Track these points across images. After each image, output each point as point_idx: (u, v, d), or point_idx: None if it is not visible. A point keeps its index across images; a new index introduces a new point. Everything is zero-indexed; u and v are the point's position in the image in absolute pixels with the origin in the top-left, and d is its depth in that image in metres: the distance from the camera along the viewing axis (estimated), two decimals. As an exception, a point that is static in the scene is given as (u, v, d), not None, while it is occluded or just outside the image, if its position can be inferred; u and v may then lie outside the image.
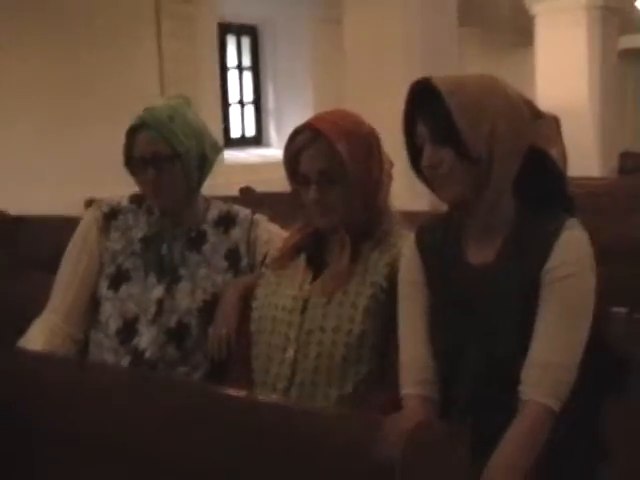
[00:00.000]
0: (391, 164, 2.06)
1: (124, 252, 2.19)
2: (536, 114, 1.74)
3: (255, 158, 9.02)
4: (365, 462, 0.95)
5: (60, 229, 2.33)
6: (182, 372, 2.11)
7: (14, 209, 4.54)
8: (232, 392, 1.39)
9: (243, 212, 2.26)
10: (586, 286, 1.65)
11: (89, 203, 2.27)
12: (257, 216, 2.27)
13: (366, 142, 1.94)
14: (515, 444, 1.57)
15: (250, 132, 9.54)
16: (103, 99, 6.58)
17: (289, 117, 8.57)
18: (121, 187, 2.31)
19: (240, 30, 9.38)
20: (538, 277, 1.64)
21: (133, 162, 2.13)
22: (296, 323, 1.90)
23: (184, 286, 2.14)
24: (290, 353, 1.89)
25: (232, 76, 9.35)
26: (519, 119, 1.68)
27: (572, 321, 1.62)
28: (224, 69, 9.09)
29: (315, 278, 1.96)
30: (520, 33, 9.34)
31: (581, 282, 1.64)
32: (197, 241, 2.20)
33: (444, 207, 1.81)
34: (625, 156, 9.11)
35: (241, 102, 9.53)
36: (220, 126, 8.47)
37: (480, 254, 1.72)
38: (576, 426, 1.67)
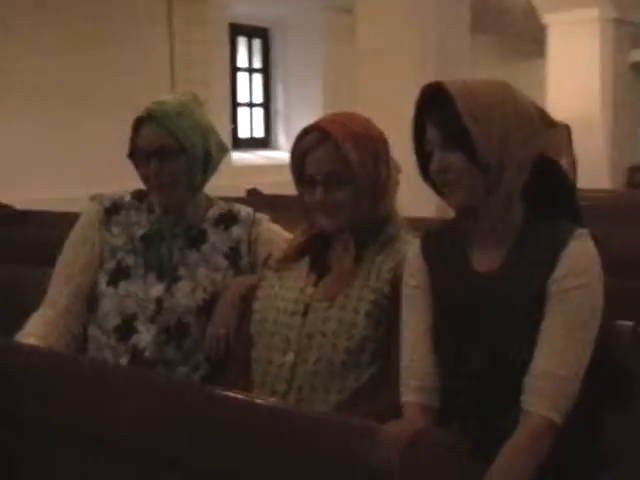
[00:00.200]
0: (398, 169, 2.04)
1: (124, 248, 2.17)
2: (548, 122, 1.72)
3: (263, 160, 9.03)
4: (362, 469, 0.93)
5: (66, 224, 2.31)
6: (182, 372, 2.09)
7: (19, 204, 4.54)
8: (229, 394, 1.37)
9: (245, 210, 2.25)
10: (593, 298, 1.62)
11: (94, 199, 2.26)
12: (259, 215, 2.25)
13: (374, 145, 1.92)
14: (514, 456, 1.55)
15: (259, 134, 9.54)
16: (113, 98, 6.60)
17: (298, 120, 8.56)
18: (127, 184, 2.30)
19: (251, 32, 9.39)
20: (544, 286, 1.61)
21: (137, 154, 2.11)
22: (297, 326, 1.88)
23: (184, 285, 2.12)
24: (290, 356, 1.87)
25: (242, 78, 9.36)
26: (530, 126, 1.66)
27: (577, 333, 1.60)
28: (234, 70, 9.10)
29: (318, 281, 1.94)
30: (534, 42, 9.32)
31: (588, 294, 1.61)
32: (197, 240, 2.18)
33: (450, 214, 1.79)
34: (634, 170, 9.08)
35: (250, 104, 9.53)
36: (229, 127, 8.48)
37: (486, 261, 1.70)
38: (578, 439, 1.65)
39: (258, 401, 1.35)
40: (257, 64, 9.57)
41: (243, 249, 2.19)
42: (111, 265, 2.16)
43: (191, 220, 2.19)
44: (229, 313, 2.08)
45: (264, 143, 9.56)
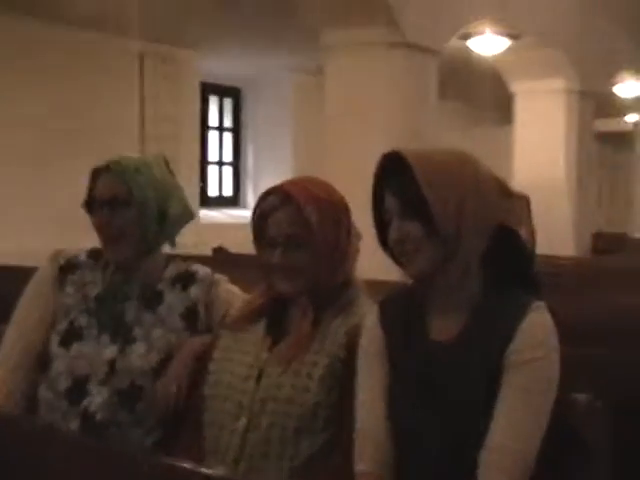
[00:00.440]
0: (359, 236, 2.03)
1: (78, 308, 2.13)
2: (507, 192, 1.73)
3: (231, 219, 9.04)
4: None
5: (27, 278, 2.27)
6: (134, 436, 2.04)
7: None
8: (177, 464, 1.33)
9: (203, 270, 2.22)
10: (549, 371, 1.61)
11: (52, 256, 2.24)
12: (217, 275, 2.22)
13: (335, 210, 1.92)
14: None
15: (228, 192, 9.57)
16: (82, 155, 6.58)
17: (267, 179, 8.62)
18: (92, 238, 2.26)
19: (223, 91, 9.47)
20: (501, 358, 1.60)
21: (92, 203, 2.11)
22: (250, 391, 1.85)
23: (138, 347, 2.08)
24: (242, 422, 1.83)
25: (212, 136, 9.40)
26: (488, 196, 1.66)
27: (533, 406, 1.58)
28: (205, 129, 9.15)
29: (273, 345, 1.91)
30: (501, 110, 9.48)
31: (545, 367, 1.60)
32: (153, 301, 2.14)
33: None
34: (598, 236, 9.20)
35: (220, 162, 9.57)
36: (198, 185, 8.49)
37: (443, 330, 1.68)
38: None
39: (204, 472, 1.31)
40: (228, 123, 9.64)
41: (200, 310, 2.16)
42: (63, 325, 2.11)
43: (147, 279, 2.16)
44: (181, 372, 2.04)
45: (233, 202, 9.59)
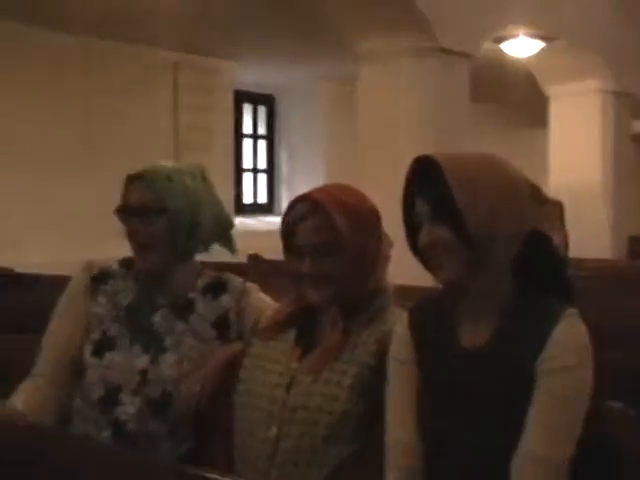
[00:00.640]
0: (390, 244, 2.03)
1: (110, 318, 2.15)
2: (540, 197, 1.71)
3: (266, 225, 9.06)
4: None
5: (61, 288, 2.30)
6: (166, 446, 2.05)
7: (17, 267, 4.54)
8: (204, 473, 1.33)
9: (235, 280, 2.23)
10: (582, 380, 1.58)
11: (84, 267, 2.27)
12: (249, 284, 2.23)
13: (366, 219, 1.92)
14: None
15: (262, 199, 9.59)
16: (115, 164, 6.65)
17: (301, 186, 8.63)
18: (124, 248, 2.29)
19: (256, 99, 9.51)
20: (532, 366, 1.58)
21: (124, 211, 2.13)
22: (280, 400, 1.85)
23: (170, 356, 2.10)
24: (273, 431, 1.83)
25: (247, 144, 9.45)
26: (520, 201, 1.65)
27: (566, 414, 1.56)
28: (239, 137, 9.19)
29: (303, 355, 1.92)
30: (535, 112, 9.41)
31: (577, 375, 1.58)
32: (184, 310, 2.16)
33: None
34: (635, 240, 9.08)
35: (255, 169, 9.60)
36: (232, 193, 8.53)
37: (473, 337, 1.66)
38: None
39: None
40: (262, 130, 9.68)
41: (231, 318, 2.17)
42: (96, 335, 2.14)
43: (178, 289, 2.18)
44: (209, 374, 2.05)
45: (267, 209, 9.61)
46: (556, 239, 1.72)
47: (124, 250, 2.22)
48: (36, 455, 1.53)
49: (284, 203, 9.53)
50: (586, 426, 1.57)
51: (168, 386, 2.07)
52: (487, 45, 6.36)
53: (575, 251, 7.28)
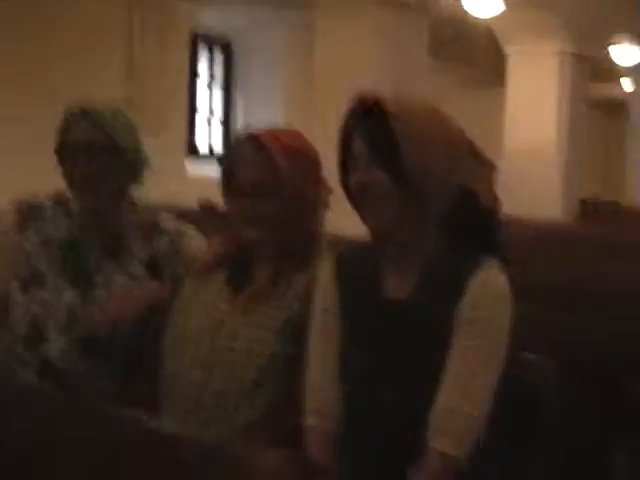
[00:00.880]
0: (330, 191, 2.01)
1: (39, 254, 2.11)
2: (479, 158, 1.71)
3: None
4: None
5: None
6: (94, 386, 2.03)
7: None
8: (126, 415, 1.31)
9: (169, 221, 2.20)
10: (500, 330, 1.58)
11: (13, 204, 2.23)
12: (184, 227, 2.21)
13: (307, 163, 1.89)
14: None
15: (217, 148, 9.49)
16: (65, 104, 6.52)
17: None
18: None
19: (213, 43, 9.36)
20: (451, 316, 1.57)
21: (65, 149, 2.07)
22: (206, 342, 1.84)
23: (99, 294, 2.07)
24: (197, 373, 1.82)
25: (202, 89, 9.32)
26: (459, 158, 1.63)
27: (484, 366, 1.56)
28: (194, 81, 9.06)
29: (234, 296, 1.90)
30: (495, 71, 9.41)
31: (495, 326, 1.57)
32: (117, 248, 2.13)
33: None
34: (586, 203, 9.19)
35: (209, 115, 9.49)
36: (184, 137, 8.43)
37: (397, 288, 1.65)
38: (487, 476, 1.61)
39: (150, 425, 1.29)
40: (218, 76, 9.54)
41: (164, 259, 2.14)
42: (25, 272, 2.10)
43: (111, 227, 2.14)
44: (125, 302, 2.04)
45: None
46: (485, 199, 1.71)
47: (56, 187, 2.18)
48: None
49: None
50: (504, 378, 1.57)
51: (97, 325, 2.04)
52: (449, 2, 6.32)
53: (523, 210, 7.36)
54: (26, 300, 2.07)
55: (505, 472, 1.65)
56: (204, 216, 5.37)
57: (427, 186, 1.58)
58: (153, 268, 2.13)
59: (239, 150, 1.89)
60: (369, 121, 1.61)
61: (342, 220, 2.16)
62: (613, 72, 11.48)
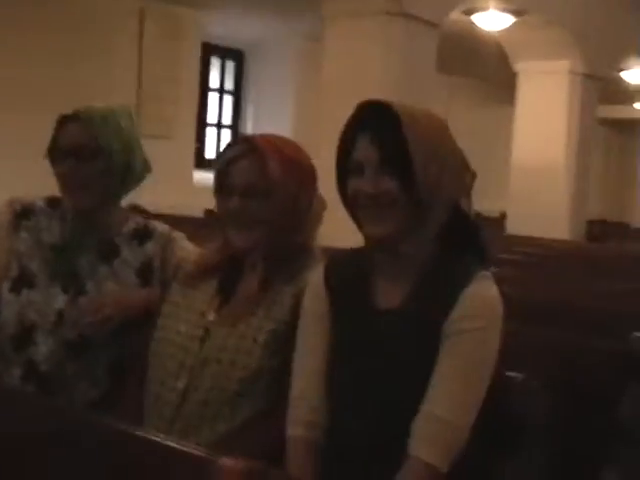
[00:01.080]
0: (324, 205, 2.00)
1: (31, 255, 2.10)
2: (467, 167, 1.70)
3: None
4: None
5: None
6: (80, 388, 2.03)
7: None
8: (110, 422, 1.30)
9: (161, 227, 2.20)
10: (489, 344, 1.57)
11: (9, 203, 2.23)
12: (175, 233, 2.20)
13: (300, 171, 1.88)
14: None
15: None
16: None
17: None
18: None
19: (225, 53, 9.40)
20: (441, 327, 1.55)
21: (55, 152, 2.08)
22: (193, 351, 1.83)
23: (89, 297, 2.07)
24: (182, 382, 1.81)
25: (213, 98, 9.35)
26: (460, 168, 1.63)
27: (470, 379, 1.54)
28: (205, 90, 9.09)
29: (222, 306, 1.89)
30: (505, 89, 9.40)
31: (484, 338, 1.56)
32: (109, 254, 2.12)
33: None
34: (594, 224, 9.15)
35: (219, 125, 9.52)
36: (193, 146, 8.45)
37: (388, 297, 1.64)
38: None
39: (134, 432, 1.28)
40: (229, 86, 9.58)
41: (155, 266, 2.13)
42: (15, 272, 2.09)
43: (104, 232, 2.14)
44: (110, 301, 2.03)
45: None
46: (465, 207, 1.70)
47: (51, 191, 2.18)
48: None
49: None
50: (489, 394, 1.56)
51: (84, 328, 2.03)
52: (459, 17, 6.32)
53: (530, 230, 7.34)
54: (16, 300, 2.06)
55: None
56: (208, 223, 5.38)
57: (435, 196, 1.56)
58: (144, 275, 2.12)
59: (233, 150, 1.88)
60: (380, 126, 1.58)
61: (332, 232, 2.15)
62: (626, 94, 11.47)
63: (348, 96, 5.40)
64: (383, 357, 1.60)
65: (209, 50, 8.95)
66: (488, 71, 9.79)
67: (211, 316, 1.87)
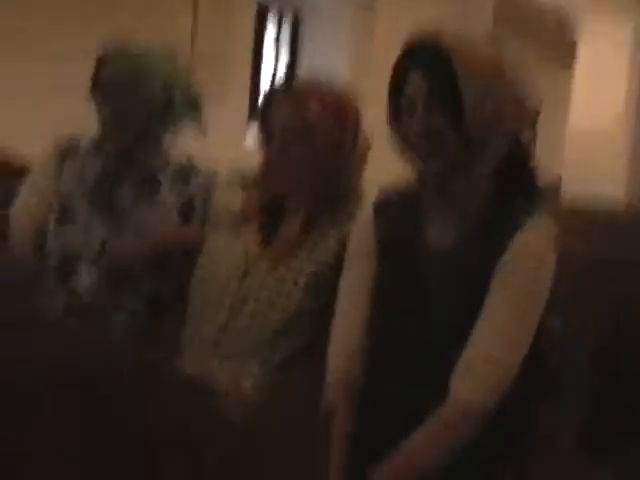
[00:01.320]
0: (368, 146, 1.98)
1: (74, 192, 2.14)
2: (528, 98, 1.63)
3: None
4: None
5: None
6: (120, 319, 2.06)
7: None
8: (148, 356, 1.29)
9: (205, 168, 2.21)
10: (540, 285, 1.52)
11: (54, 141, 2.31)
12: (217, 174, 2.21)
13: (343, 114, 1.87)
14: (423, 439, 1.48)
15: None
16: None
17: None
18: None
19: (280, 16, 9.36)
20: (493, 270, 1.51)
21: (96, 90, 2.11)
22: (233, 289, 1.83)
23: (130, 232, 2.09)
24: (221, 319, 1.82)
25: (267, 59, 9.32)
26: (520, 107, 1.55)
27: (519, 317, 1.50)
28: (259, 51, 9.06)
29: (263, 247, 1.88)
30: (563, 50, 9.21)
31: (536, 278, 1.51)
32: (150, 189, 2.14)
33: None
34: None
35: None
36: (247, 108, 8.44)
37: (439, 238, 1.58)
38: (510, 427, 1.56)
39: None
40: (283, 49, 9.54)
41: (196, 204, 2.15)
42: (60, 206, 2.14)
43: (146, 168, 2.16)
44: (149, 241, 2.06)
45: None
46: (527, 140, 1.64)
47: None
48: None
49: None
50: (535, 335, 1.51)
51: (125, 260, 2.07)
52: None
53: (588, 191, 7.21)
54: (59, 234, 2.11)
55: (525, 424, 1.59)
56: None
57: (492, 132, 1.51)
58: (185, 213, 2.14)
59: (275, 95, 1.88)
60: (431, 60, 1.52)
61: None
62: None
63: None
64: (431, 300, 1.56)
65: (264, 12, 8.91)
66: (546, 34, 9.58)
67: (251, 257, 1.87)
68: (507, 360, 1.49)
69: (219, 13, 7.73)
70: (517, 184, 1.60)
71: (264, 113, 1.89)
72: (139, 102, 2.08)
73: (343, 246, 1.76)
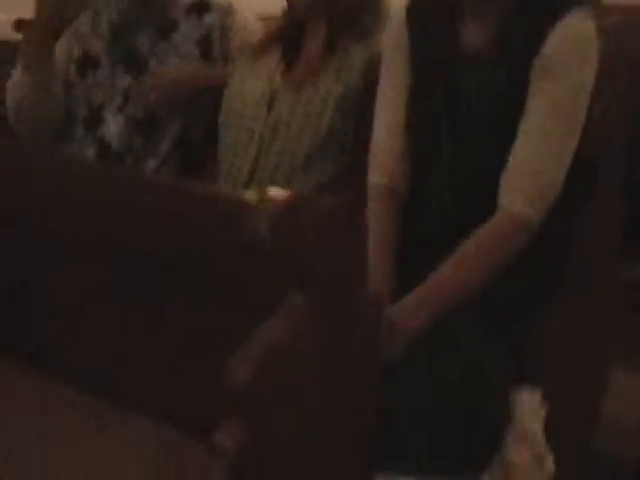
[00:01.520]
0: None
1: (92, 36, 2.09)
2: None
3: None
4: (235, 240, 0.86)
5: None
6: (151, 165, 2.04)
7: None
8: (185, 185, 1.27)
9: (219, 1, 2.13)
10: (582, 81, 1.43)
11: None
12: (236, 6, 2.13)
13: None
14: (473, 248, 1.41)
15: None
16: None
17: None
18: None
19: None
20: (530, 67, 1.42)
21: None
22: (262, 118, 1.80)
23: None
24: (254, 148, 1.80)
25: None
26: None
27: (562, 124, 1.43)
28: None
29: (287, 70, 1.84)
30: None
31: (577, 75, 1.43)
32: (167, 29, 2.08)
33: None
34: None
35: None
36: None
37: (474, 40, 1.50)
38: (551, 239, 1.49)
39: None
40: None
41: (215, 37, 2.08)
42: (79, 53, 2.09)
43: (161, 9, 2.09)
44: (171, 74, 2.02)
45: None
46: None
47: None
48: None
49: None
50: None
51: (150, 105, 2.03)
52: None
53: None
54: (83, 82, 2.07)
55: (564, 236, 1.57)
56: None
57: None
58: (204, 46, 2.08)
59: None
60: None
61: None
62: None
63: None
64: (467, 100, 1.49)
65: None
66: None
67: (276, 82, 1.83)
68: (550, 172, 1.43)
69: None
70: None
71: None
72: None
73: (372, 67, 1.71)
